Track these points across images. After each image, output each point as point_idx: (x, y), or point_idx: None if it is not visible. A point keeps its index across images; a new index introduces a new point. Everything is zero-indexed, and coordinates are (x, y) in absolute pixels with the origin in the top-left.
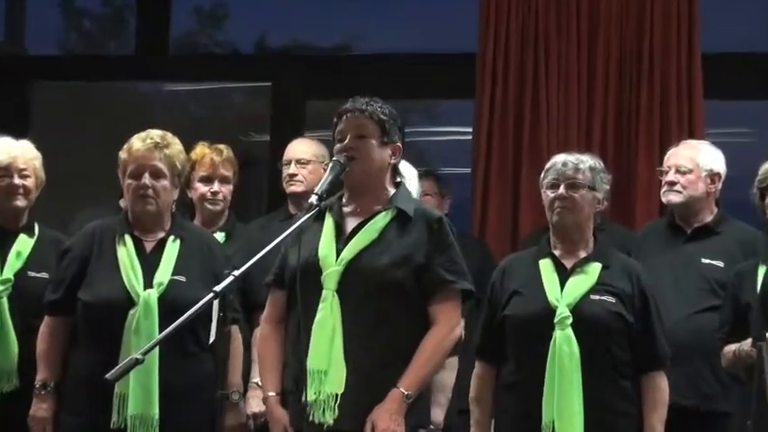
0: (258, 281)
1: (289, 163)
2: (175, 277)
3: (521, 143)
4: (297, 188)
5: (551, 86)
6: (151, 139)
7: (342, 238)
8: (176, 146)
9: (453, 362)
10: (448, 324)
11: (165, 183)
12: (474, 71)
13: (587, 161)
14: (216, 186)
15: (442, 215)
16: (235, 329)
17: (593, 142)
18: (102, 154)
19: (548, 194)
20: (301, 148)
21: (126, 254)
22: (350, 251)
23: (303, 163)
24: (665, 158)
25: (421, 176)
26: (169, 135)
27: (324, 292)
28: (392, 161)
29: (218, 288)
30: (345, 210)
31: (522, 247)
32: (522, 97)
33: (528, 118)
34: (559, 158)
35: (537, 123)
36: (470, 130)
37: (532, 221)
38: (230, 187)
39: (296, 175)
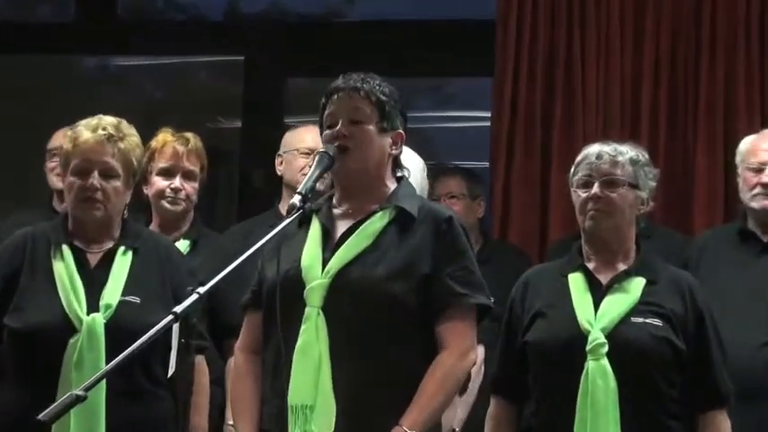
0: (232, 300)
1: (309, 152)
2: (127, 298)
3: (550, 131)
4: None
5: (588, 62)
6: (104, 129)
7: (330, 245)
8: (133, 138)
9: (469, 394)
10: (460, 348)
11: (118, 184)
12: (492, 43)
13: (627, 152)
14: (177, 182)
15: (452, 214)
16: (200, 360)
17: (640, 131)
18: (32, 143)
19: (579, 194)
20: (313, 136)
21: (64, 269)
22: (338, 260)
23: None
24: (745, 152)
25: (444, 174)
26: (125, 124)
27: (307, 310)
28: (393, 151)
29: (178, 309)
30: (336, 211)
31: (548, 258)
32: (553, 75)
33: (559, 101)
34: (593, 150)
35: (571, 107)
36: (488, 114)
37: (565, 227)
38: (195, 185)
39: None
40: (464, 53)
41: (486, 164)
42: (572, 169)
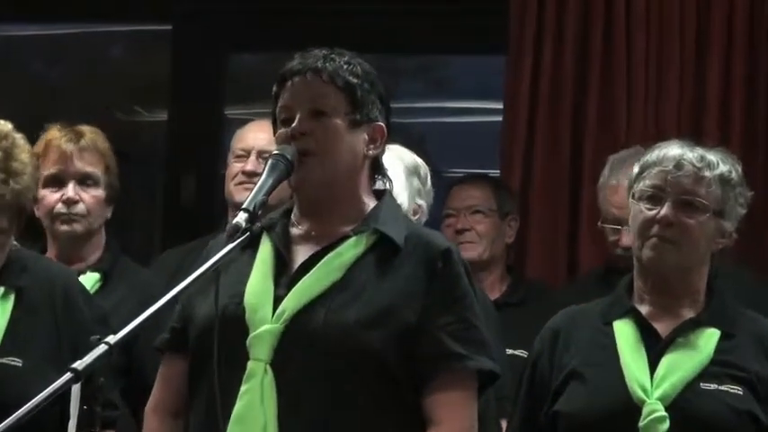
0: (155, 354)
1: (245, 154)
2: (2, 360)
3: (582, 128)
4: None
5: (636, 40)
6: None
7: (285, 278)
8: (18, 142)
9: None
10: (454, 428)
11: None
12: (506, 12)
13: (718, 165)
14: (71, 191)
15: (450, 246)
16: None
17: (702, 129)
18: None
19: (641, 209)
20: (266, 136)
21: None
22: (296, 299)
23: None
24: None
25: (464, 181)
26: (8, 127)
27: (250, 364)
28: (370, 152)
29: (79, 365)
30: (294, 232)
31: (580, 296)
32: (587, 55)
33: (595, 89)
34: (671, 152)
35: (610, 98)
36: (500, 106)
37: (598, 254)
38: (98, 193)
39: (257, 174)
40: (468, 26)
41: (496, 171)
42: (635, 169)
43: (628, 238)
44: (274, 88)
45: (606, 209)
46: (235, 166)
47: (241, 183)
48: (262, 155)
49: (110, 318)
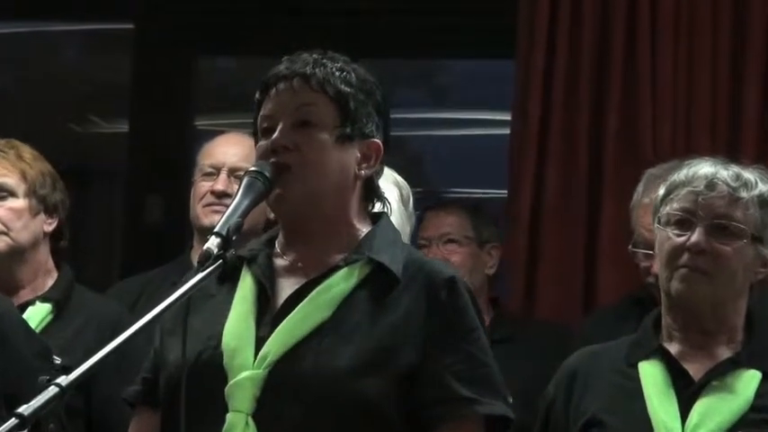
0: (116, 397)
1: (214, 171)
2: None
3: (601, 142)
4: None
5: (662, 41)
6: None
7: (268, 317)
8: None
9: None
10: None
11: None
12: (515, 11)
13: (757, 184)
14: None
15: (455, 274)
16: None
17: (738, 144)
18: None
19: (668, 236)
20: (239, 150)
21: None
22: (280, 341)
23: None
24: None
25: (437, 207)
26: None
27: (229, 416)
28: (362, 171)
29: (26, 410)
30: (279, 263)
31: (598, 335)
32: (607, 59)
33: (616, 97)
34: (702, 169)
35: (633, 107)
36: (507, 117)
37: (620, 285)
38: (17, 204)
39: (227, 194)
40: (471, 22)
41: (503, 191)
42: (660, 191)
43: None
44: (257, 95)
45: (638, 231)
46: (202, 186)
47: (209, 204)
48: (234, 173)
49: (64, 352)
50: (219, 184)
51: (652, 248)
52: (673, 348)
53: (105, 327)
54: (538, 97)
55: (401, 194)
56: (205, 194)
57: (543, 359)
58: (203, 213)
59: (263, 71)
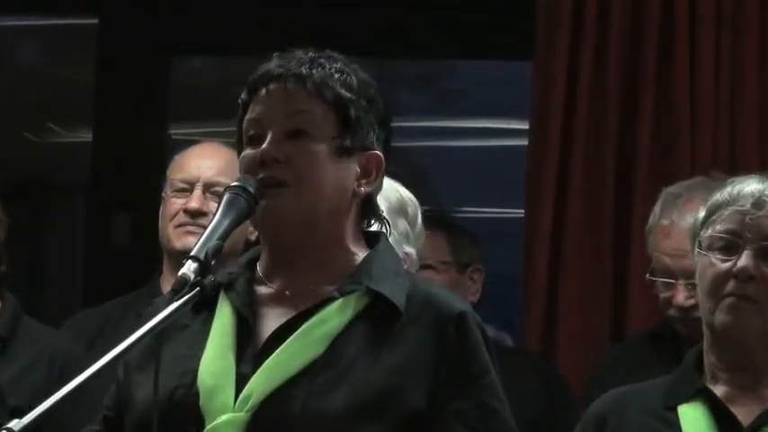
0: None
1: (187, 187)
2: None
3: (632, 154)
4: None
5: (702, 38)
6: None
7: (250, 352)
8: None
9: None
10: None
11: None
12: (532, 3)
13: None
14: None
15: (466, 308)
16: None
17: None
18: None
19: (711, 261)
20: (215, 163)
21: None
22: (266, 379)
23: (218, 192)
24: None
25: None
26: None
27: None
28: (361, 188)
29: None
30: (262, 291)
31: (611, 376)
32: (639, 58)
33: (649, 102)
34: (749, 186)
35: (668, 114)
36: (525, 126)
37: (652, 316)
38: None
39: (202, 213)
40: (482, 19)
41: (520, 211)
42: (700, 213)
43: (683, 295)
44: (242, 96)
45: (656, 257)
46: (173, 203)
47: (182, 225)
48: (210, 188)
49: (10, 393)
50: (193, 202)
51: (672, 276)
52: (718, 390)
53: (56, 364)
54: (559, 104)
55: (405, 212)
56: (177, 213)
57: (528, 394)
58: (175, 235)
59: (248, 73)
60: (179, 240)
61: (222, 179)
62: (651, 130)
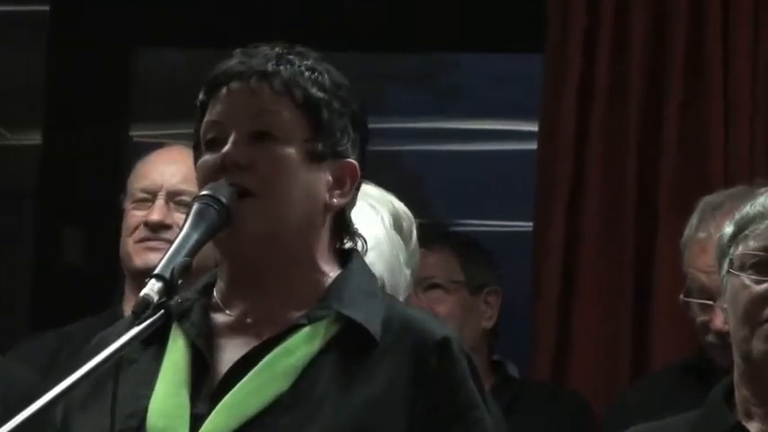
0: None
1: (149, 197)
2: None
3: (655, 159)
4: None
5: (737, 31)
6: None
7: (206, 388)
8: None
9: None
10: None
11: None
12: None
13: None
14: None
15: (449, 333)
16: None
17: None
18: None
19: (745, 283)
20: (180, 169)
21: None
22: (224, 419)
23: (183, 202)
24: None
25: (420, 244)
26: None
27: None
28: (334, 200)
29: None
30: (219, 319)
31: (642, 412)
32: (665, 51)
33: (676, 102)
34: None
35: (697, 114)
36: (534, 128)
37: (678, 346)
38: None
39: (166, 226)
40: (486, 9)
41: (528, 224)
42: (727, 228)
43: (723, 318)
44: (201, 96)
45: (692, 275)
46: (134, 216)
47: (143, 240)
48: (174, 197)
49: None
50: (155, 214)
51: (709, 297)
52: (753, 427)
53: (10, 400)
54: (573, 103)
55: (400, 228)
56: (137, 227)
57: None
58: (135, 251)
59: (205, 69)
60: (139, 258)
61: (188, 187)
62: (678, 131)
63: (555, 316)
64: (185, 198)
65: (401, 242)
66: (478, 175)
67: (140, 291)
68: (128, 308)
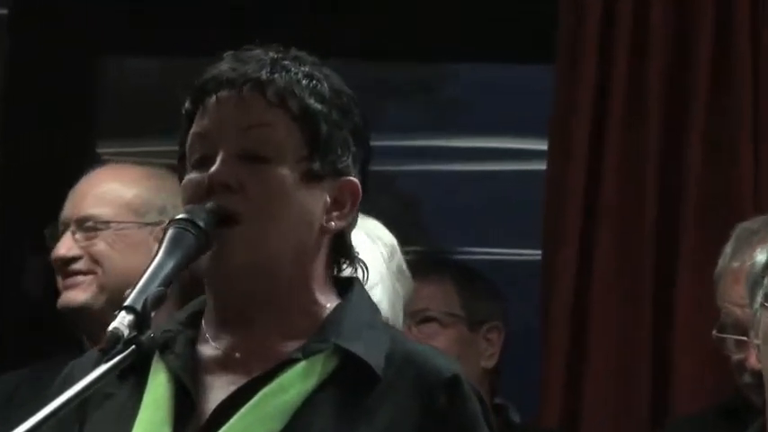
0: None
1: (62, 228)
2: None
3: (678, 182)
4: (81, 295)
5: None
6: None
7: (190, 428)
8: None
9: None
10: None
11: None
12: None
13: None
14: None
15: (458, 371)
16: None
17: None
18: None
19: None
20: (93, 191)
21: None
22: None
23: (96, 227)
24: None
25: (415, 273)
26: None
27: None
28: (332, 223)
29: None
30: (206, 352)
31: None
32: (689, 60)
33: (701, 117)
34: None
35: (725, 132)
36: (543, 147)
37: (702, 388)
38: None
39: (71, 259)
40: (490, 16)
41: (536, 252)
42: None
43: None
44: (186, 105)
45: (726, 309)
46: (63, 245)
47: (60, 277)
48: (82, 224)
49: None
50: (61, 249)
51: (746, 333)
52: None
53: None
54: (586, 120)
55: (393, 257)
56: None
57: None
58: (61, 290)
59: (185, 76)
60: (60, 299)
61: (96, 210)
62: (703, 148)
63: (566, 356)
64: (90, 224)
65: (398, 274)
66: (481, 197)
67: (82, 330)
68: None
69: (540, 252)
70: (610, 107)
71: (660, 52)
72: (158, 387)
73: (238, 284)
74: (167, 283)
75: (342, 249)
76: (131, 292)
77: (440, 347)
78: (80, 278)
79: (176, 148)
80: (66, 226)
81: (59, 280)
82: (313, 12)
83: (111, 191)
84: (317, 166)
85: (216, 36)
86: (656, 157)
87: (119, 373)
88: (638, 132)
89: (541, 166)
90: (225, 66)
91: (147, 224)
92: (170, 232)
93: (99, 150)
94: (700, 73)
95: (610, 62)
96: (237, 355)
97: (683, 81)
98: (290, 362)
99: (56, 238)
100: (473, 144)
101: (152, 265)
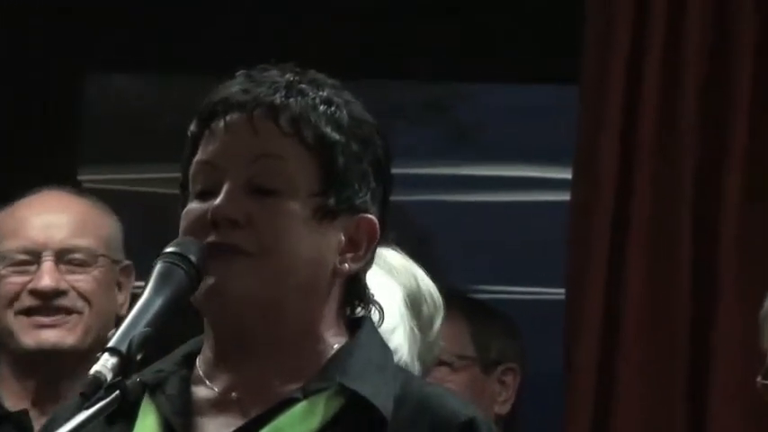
0: None
1: (30, 259)
2: None
3: (716, 212)
4: (69, 337)
5: None
6: None
7: None
8: None
9: None
10: None
11: None
12: (579, 7)
13: None
14: None
15: (476, 414)
16: None
17: None
18: None
19: None
20: (69, 220)
21: None
22: None
23: (76, 261)
24: None
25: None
26: None
27: None
28: (346, 265)
29: None
30: (201, 394)
31: None
32: (726, 79)
33: (741, 141)
34: None
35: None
36: (567, 175)
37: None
38: None
39: (61, 292)
40: (509, 31)
41: (560, 291)
42: None
43: None
44: (192, 128)
45: None
46: (11, 282)
47: (30, 312)
48: (65, 256)
49: None
50: (46, 279)
51: None
52: None
53: None
54: (615, 145)
55: (418, 311)
56: (17, 296)
57: None
58: (21, 328)
59: (191, 97)
60: (28, 336)
61: (80, 241)
62: (743, 180)
63: (592, 407)
64: (78, 256)
65: (416, 330)
66: (500, 230)
67: (27, 377)
68: (6, 393)
69: (563, 290)
70: (640, 134)
71: (694, 74)
72: (147, 431)
73: (237, 318)
74: (155, 323)
75: (355, 292)
76: (115, 333)
77: (452, 388)
78: (66, 317)
79: (167, 174)
80: (37, 256)
81: (16, 311)
82: (315, 32)
83: (90, 221)
84: (331, 201)
85: (211, 53)
86: (690, 187)
87: (105, 419)
88: (671, 162)
89: (565, 196)
90: (236, 86)
91: (115, 261)
92: (158, 267)
93: (80, 177)
94: (738, 98)
95: (638, 82)
96: (234, 395)
97: (719, 108)
98: (289, 402)
99: (8, 263)
100: (490, 172)
101: (138, 303)
